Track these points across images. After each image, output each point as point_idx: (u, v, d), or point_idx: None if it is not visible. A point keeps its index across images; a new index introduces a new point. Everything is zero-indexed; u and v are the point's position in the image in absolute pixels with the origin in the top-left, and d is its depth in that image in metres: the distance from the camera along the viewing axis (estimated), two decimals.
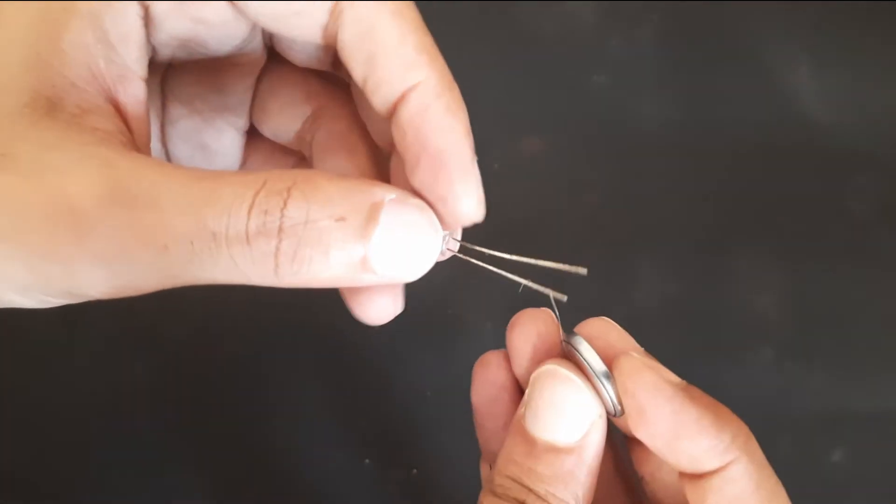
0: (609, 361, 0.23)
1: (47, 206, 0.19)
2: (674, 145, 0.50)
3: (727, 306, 0.47)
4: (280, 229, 0.19)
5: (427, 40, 0.23)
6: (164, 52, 0.24)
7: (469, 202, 0.22)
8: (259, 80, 0.28)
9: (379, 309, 0.24)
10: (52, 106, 0.21)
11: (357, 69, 0.23)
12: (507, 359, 0.26)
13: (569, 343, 0.24)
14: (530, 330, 0.25)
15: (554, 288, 0.24)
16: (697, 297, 0.47)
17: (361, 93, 0.24)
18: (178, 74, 0.27)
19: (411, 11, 0.23)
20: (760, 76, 0.51)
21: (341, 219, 0.20)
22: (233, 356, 0.45)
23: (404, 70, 0.22)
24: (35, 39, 0.21)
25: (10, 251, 0.20)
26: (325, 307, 0.46)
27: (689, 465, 0.22)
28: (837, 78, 0.50)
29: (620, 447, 0.27)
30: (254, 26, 0.25)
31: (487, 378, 0.26)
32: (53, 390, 0.44)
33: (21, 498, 0.42)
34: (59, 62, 0.21)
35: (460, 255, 0.24)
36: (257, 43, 0.26)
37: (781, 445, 0.44)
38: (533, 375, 0.24)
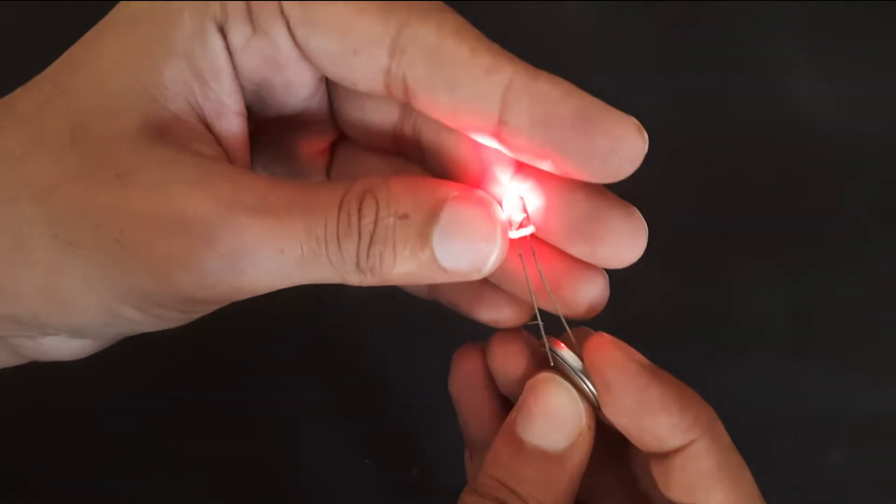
0: None
1: (177, 216, 0.20)
2: (673, 145, 0.50)
3: (727, 307, 0.47)
4: (358, 230, 0.21)
5: (496, 48, 0.23)
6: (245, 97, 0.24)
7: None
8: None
9: (507, 314, 0.26)
10: (161, 133, 0.21)
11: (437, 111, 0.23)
12: (483, 352, 0.28)
13: (548, 348, 0.25)
14: (503, 352, 0.27)
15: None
16: (697, 297, 0.47)
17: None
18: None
19: (474, 35, 0.23)
20: (760, 76, 0.51)
21: (405, 216, 0.21)
22: (233, 356, 0.45)
23: (491, 111, 0.22)
24: (140, 72, 0.21)
25: (138, 262, 0.21)
26: (326, 307, 0.46)
27: (654, 444, 0.23)
28: (837, 78, 0.50)
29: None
30: (318, 80, 0.25)
31: (461, 370, 0.28)
32: (54, 390, 0.44)
33: (21, 498, 0.42)
34: (163, 96, 0.22)
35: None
36: (322, 95, 0.26)
37: (781, 445, 0.44)
38: (529, 382, 0.25)
